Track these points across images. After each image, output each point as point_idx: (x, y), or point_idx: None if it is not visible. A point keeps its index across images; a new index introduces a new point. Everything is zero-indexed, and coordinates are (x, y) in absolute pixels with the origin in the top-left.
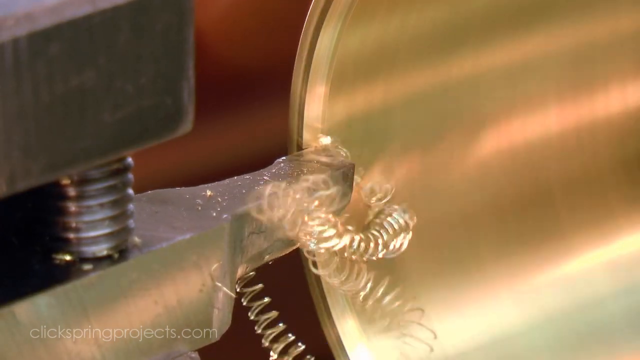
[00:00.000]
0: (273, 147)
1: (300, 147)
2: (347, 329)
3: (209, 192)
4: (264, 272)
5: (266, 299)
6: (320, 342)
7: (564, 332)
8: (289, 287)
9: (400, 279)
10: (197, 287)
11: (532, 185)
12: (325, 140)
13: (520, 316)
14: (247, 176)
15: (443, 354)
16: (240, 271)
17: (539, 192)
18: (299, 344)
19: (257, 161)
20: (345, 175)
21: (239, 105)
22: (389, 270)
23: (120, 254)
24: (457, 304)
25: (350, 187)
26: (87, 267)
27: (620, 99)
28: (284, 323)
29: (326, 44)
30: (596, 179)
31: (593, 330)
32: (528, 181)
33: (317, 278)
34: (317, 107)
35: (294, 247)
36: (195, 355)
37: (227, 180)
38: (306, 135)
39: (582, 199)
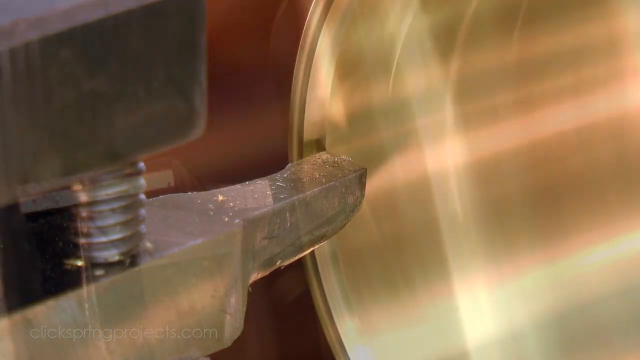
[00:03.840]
0: (273, 146)
1: (301, 147)
2: (347, 329)
3: (220, 197)
4: None
5: None
6: (320, 342)
7: (563, 332)
8: (289, 287)
9: (401, 278)
10: (209, 292)
11: (532, 185)
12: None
13: (520, 317)
14: (259, 181)
15: (444, 354)
16: (252, 276)
17: (539, 192)
18: None
19: (258, 161)
20: (358, 179)
21: (239, 104)
22: (390, 270)
23: (132, 259)
24: (458, 304)
25: (363, 190)
26: (99, 272)
27: (620, 99)
28: (284, 323)
29: (327, 43)
30: (596, 178)
31: (593, 331)
32: (528, 181)
33: (317, 278)
34: (318, 106)
35: (306, 253)
36: None
37: (239, 185)
38: (307, 135)
39: (582, 198)
